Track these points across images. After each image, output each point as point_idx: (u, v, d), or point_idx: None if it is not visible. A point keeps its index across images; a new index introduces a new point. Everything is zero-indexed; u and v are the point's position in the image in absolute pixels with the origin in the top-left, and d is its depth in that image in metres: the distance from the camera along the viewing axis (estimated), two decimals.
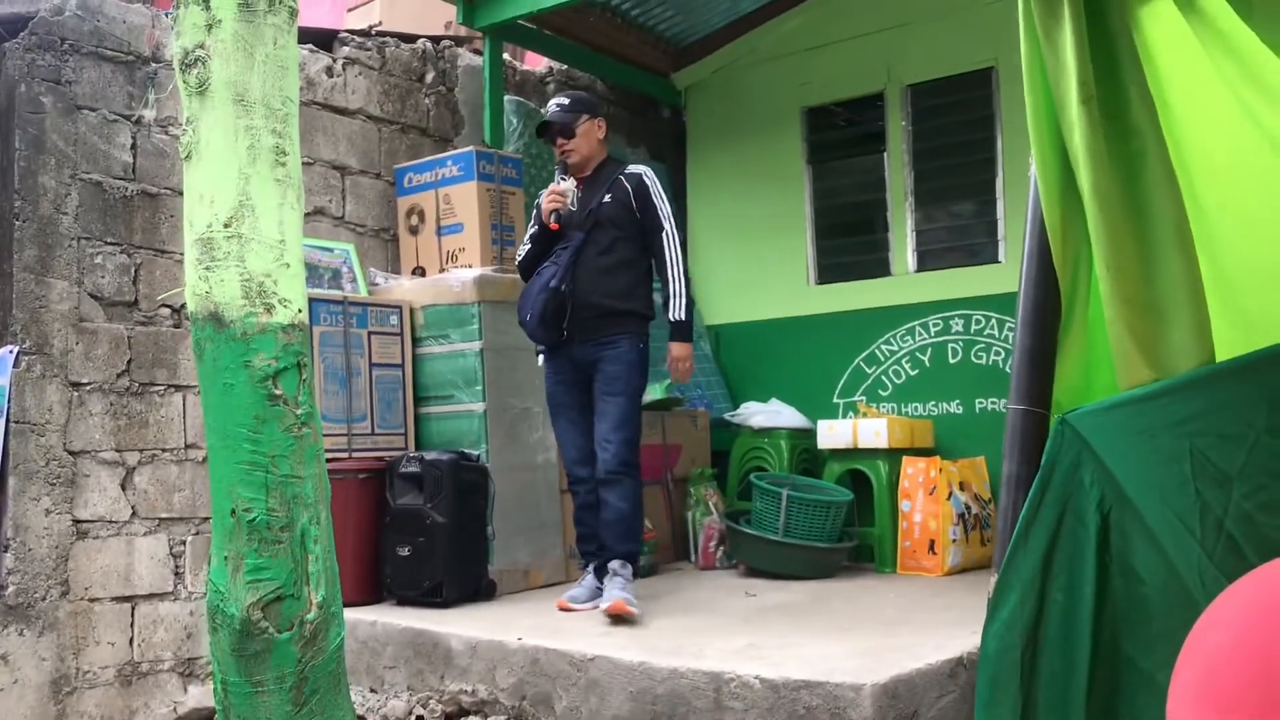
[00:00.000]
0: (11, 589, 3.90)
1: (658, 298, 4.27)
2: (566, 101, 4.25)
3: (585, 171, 4.24)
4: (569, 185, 4.17)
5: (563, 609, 4.01)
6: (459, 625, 3.81)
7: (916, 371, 5.62)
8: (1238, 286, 1.72)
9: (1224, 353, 1.63)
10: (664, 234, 4.16)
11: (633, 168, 4.26)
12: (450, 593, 4.12)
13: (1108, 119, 1.62)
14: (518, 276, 4.41)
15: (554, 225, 4.11)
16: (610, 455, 4.02)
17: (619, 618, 3.75)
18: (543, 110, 4.30)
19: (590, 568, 4.19)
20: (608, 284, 4.10)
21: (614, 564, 4.03)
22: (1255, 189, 1.69)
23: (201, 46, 2.52)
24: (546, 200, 4.13)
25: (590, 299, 4.06)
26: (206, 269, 2.49)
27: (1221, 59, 1.59)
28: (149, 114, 4.39)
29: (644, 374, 4.18)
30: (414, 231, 5.15)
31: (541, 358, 4.30)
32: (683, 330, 4.17)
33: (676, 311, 4.13)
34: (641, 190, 4.17)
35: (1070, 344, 1.75)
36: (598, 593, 4.05)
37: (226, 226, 2.49)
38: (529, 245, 4.28)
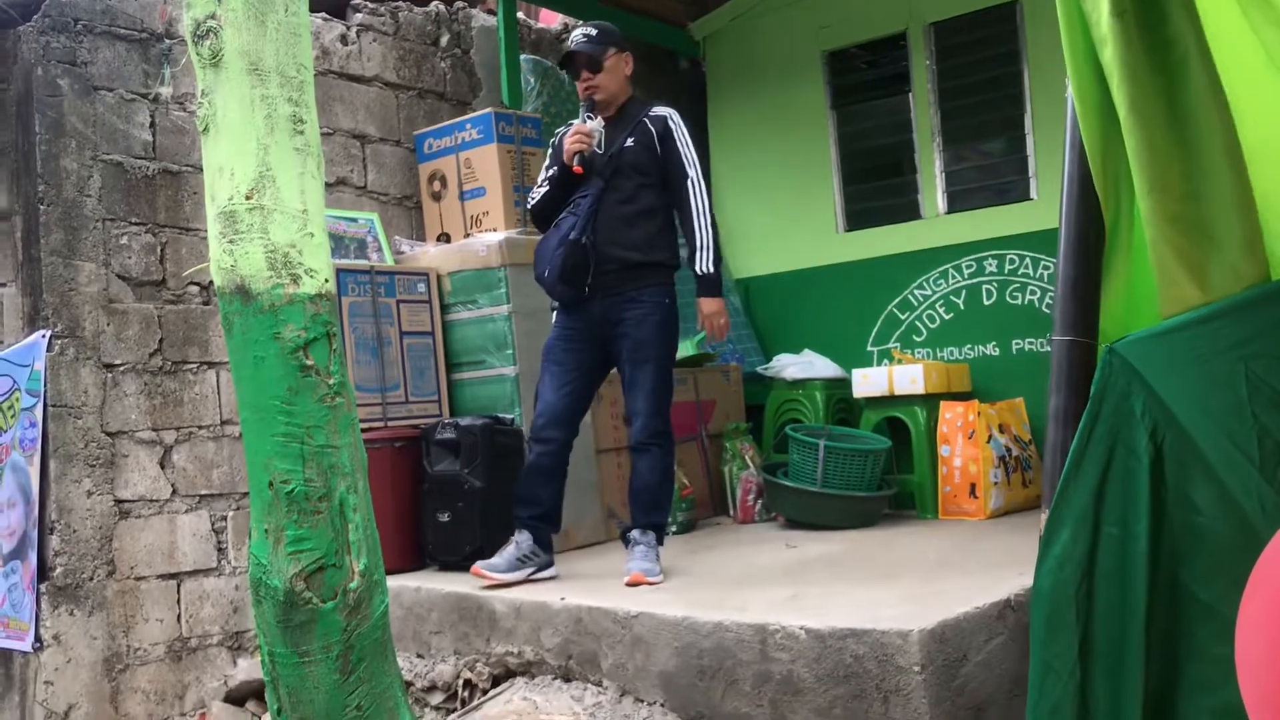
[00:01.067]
0: (59, 570, 3.95)
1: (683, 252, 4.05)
2: (594, 32, 3.92)
3: (609, 112, 3.94)
4: (596, 125, 3.86)
5: (475, 574, 3.77)
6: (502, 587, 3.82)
7: (951, 315, 5.56)
8: (1268, 214, 1.66)
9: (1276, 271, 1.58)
10: (689, 180, 3.87)
11: (658, 109, 3.97)
12: (491, 556, 4.12)
13: (1144, 30, 1.55)
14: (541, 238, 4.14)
15: (578, 168, 3.80)
16: (639, 425, 3.86)
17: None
18: (567, 43, 3.94)
19: (515, 537, 3.90)
20: (631, 235, 3.83)
21: (634, 533, 3.88)
22: (1267, 116, 1.63)
23: (213, 17, 2.49)
24: (571, 140, 3.80)
25: (612, 251, 3.81)
26: (230, 242, 2.47)
27: None
28: (166, 91, 4.38)
29: (674, 332, 3.97)
30: (437, 198, 5.12)
31: (555, 313, 4.09)
32: (711, 284, 3.88)
33: (704, 264, 3.85)
34: (666, 133, 3.89)
35: (1115, 271, 1.69)
36: (519, 564, 3.82)
37: (248, 198, 2.46)
38: (546, 188, 3.98)
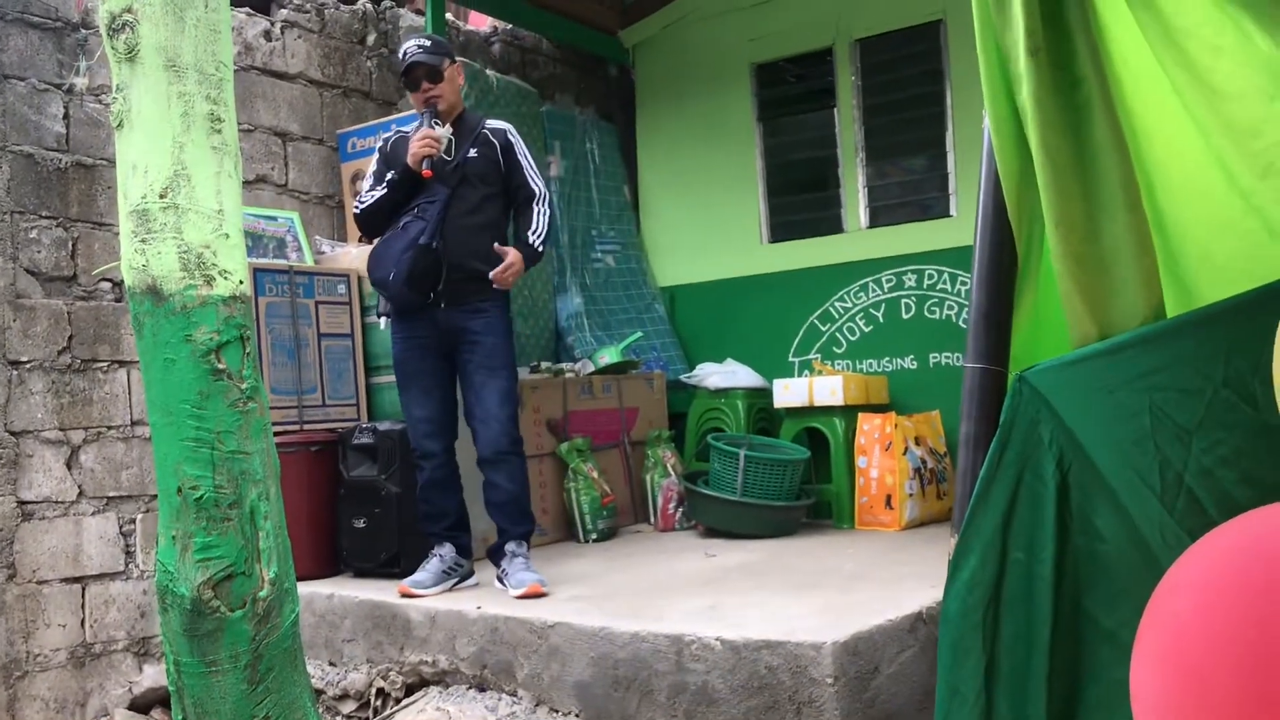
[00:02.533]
0: None
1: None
2: (428, 43, 3.89)
3: (446, 122, 3.92)
4: (445, 131, 3.83)
5: (404, 595, 3.74)
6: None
7: (871, 328, 5.63)
8: (1176, 246, 1.71)
9: (1187, 304, 1.62)
10: (536, 198, 3.93)
11: (495, 122, 3.99)
12: (407, 564, 4.07)
13: (1054, 68, 1.59)
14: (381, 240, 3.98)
15: (427, 172, 3.75)
16: (498, 433, 3.78)
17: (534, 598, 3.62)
18: (400, 53, 3.91)
19: (436, 550, 3.90)
20: (476, 244, 3.80)
21: (510, 545, 3.82)
22: (1180, 150, 1.68)
23: (129, 10, 2.43)
24: (419, 143, 3.74)
25: (460, 260, 3.77)
26: (142, 241, 2.41)
27: (1143, 17, 1.57)
28: (80, 82, 4.26)
29: (513, 340, 3.97)
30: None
31: (385, 320, 4.01)
32: (531, 255, 3.87)
33: (536, 238, 3.88)
34: (508, 148, 3.92)
35: (1024, 300, 1.73)
36: (444, 576, 3.85)
37: (162, 197, 2.41)
38: (383, 191, 3.86)
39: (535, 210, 3.93)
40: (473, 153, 3.87)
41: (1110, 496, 1.52)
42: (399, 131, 4.06)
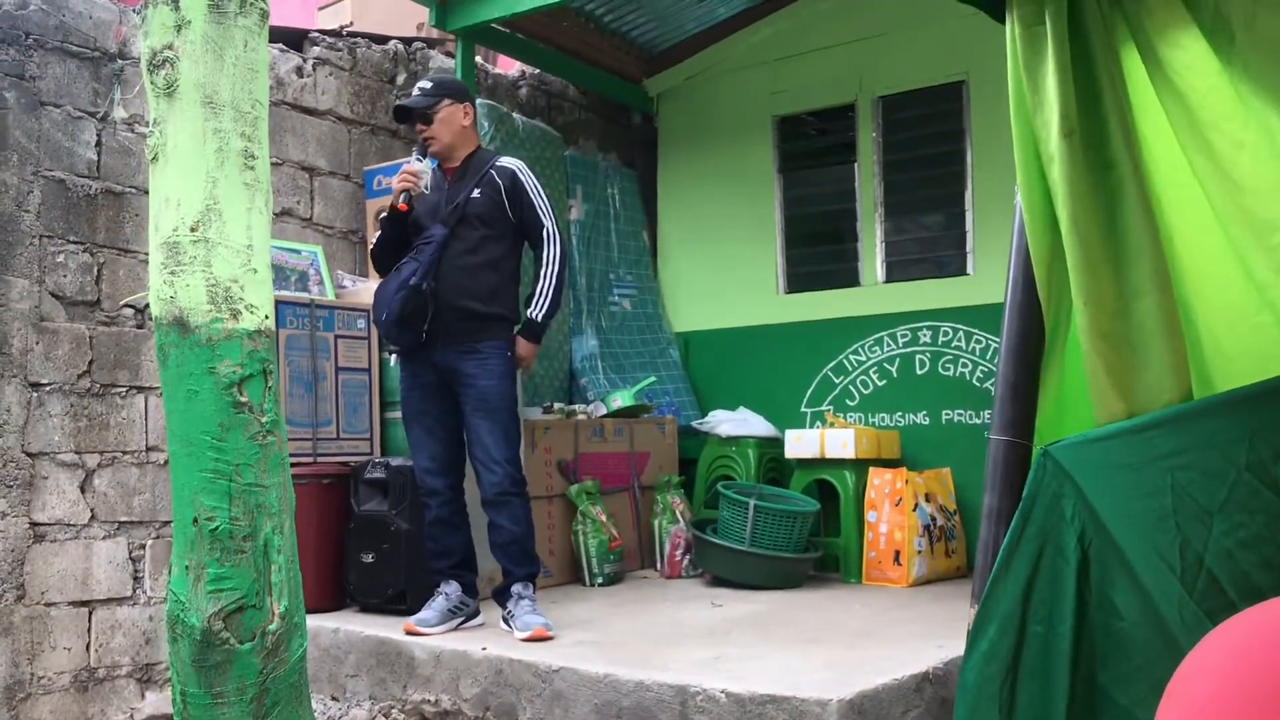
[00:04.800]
0: None
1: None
2: (429, 85, 3.95)
3: (452, 162, 3.97)
4: (424, 166, 3.87)
5: (410, 633, 3.74)
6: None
7: (884, 382, 5.64)
8: (1212, 323, 1.73)
9: (1199, 391, 1.64)
10: (545, 232, 3.93)
11: (505, 161, 4.00)
12: (414, 600, 4.06)
13: (1088, 150, 1.62)
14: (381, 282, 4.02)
15: (403, 206, 3.80)
16: (500, 476, 3.78)
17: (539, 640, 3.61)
18: (403, 96, 4.02)
19: (442, 589, 3.91)
20: (473, 285, 3.83)
21: (516, 587, 3.82)
22: (1205, 235, 1.70)
23: (170, 47, 2.47)
24: (398, 179, 3.82)
25: (455, 300, 3.80)
26: (172, 273, 2.44)
27: (1172, 109, 1.60)
28: (115, 112, 4.32)
29: (515, 381, 3.98)
30: None
31: (394, 358, 4.05)
32: (535, 331, 3.93)
33: (537, 311, 3.90)
34: (516, 187, 3.92)
35: (1051, 375, 1.75)
36: (450, 615, 3.85)
37: (193, 230, 2.44)
38: (378, 230, 3.99)
39: (545, 258, 3.93)
40: (475, 193, 3.89)
41: (1130, 574, 1.52)
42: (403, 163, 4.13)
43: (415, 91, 3.95)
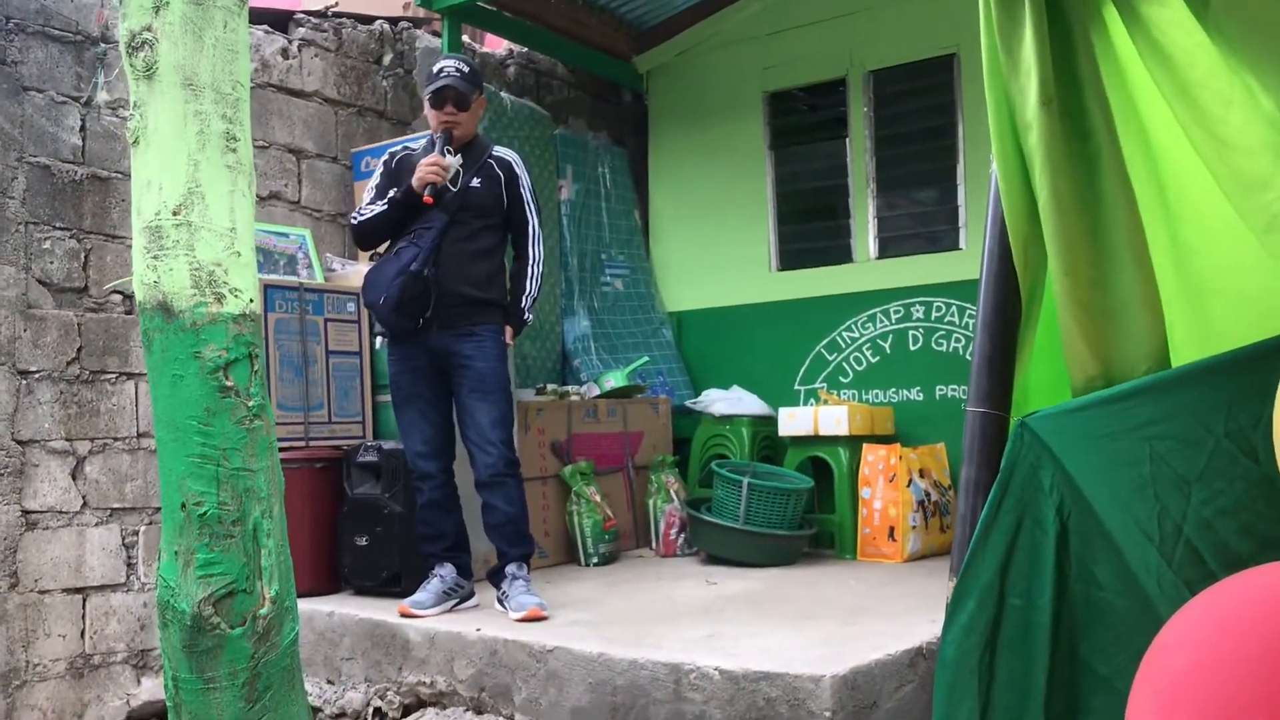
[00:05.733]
0: None
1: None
2: (466, 70, 3.90)
3: (456, 148, 3.93)
4: (455, 161, 3.84)
5: (404, 615, 3.74)
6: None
7: (877, 358, 5.63)
8: (1201, 292, 1.72)
9: (1187, 357, 1.62)
10: (530, 228, 3.98)
11: (501, 151, 4.01)
12: (408, 583, 4.07)
13: (1065, 118, 1.60)
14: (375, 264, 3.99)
15: (428, 199, 3.75)
16: (495, 457, 3.78)
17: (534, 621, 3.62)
18: (436, 68, 3.91)
19: (436, 571, 3.91)
20: (471, 271, 3.84)
21: (511, 568, 3.83)
22: (1206, 195, 1.69)
23: (149, 29, 2.45)
24: (427, 169, 3.74)
25: (454, 286, 3.79)
26: (155, 258, 2.43)
27: (1156, 69, 1.58)
28: (99, 96, 4.30)
29: (508, 365, 3.97)
30: None
31: (381, 340, 4.03)
32: (520, 325, 3.99)
33: (525, 308, 3.96)
34: (512, 179, 3.95)
35: (1028, 346, 1.74)
36: (444, 597, 3.85)
37: (175, 214, 2.42)
38: (383, 208, 3.87)
39: (529, 255, 3.97)
40: (475, 182, 3.88)
41: (1109, 544, 1.52)
42: (407, 148, 4.07)
43: (454, 71, 3.87)
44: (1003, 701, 1.56)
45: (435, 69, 3.92)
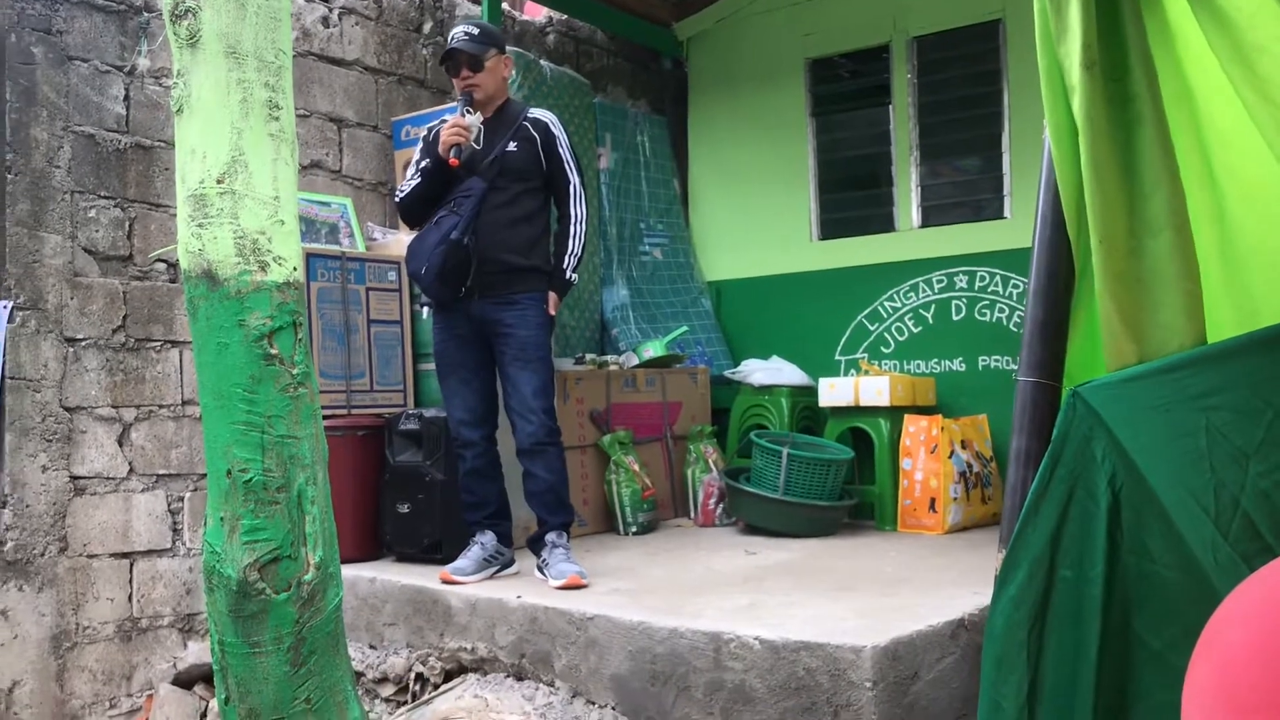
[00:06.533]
0: (10, 545, 3.89)
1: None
2: (476, 31, 3.86)
3: (487, 112, 3.90)
4: (475, 120, 3.79)
5: (446, 581, 3.75)
6: None
7: (919, 329, 5.58)
8: (1244, 264, 1.68)
9: (1227, 330, 1.59)
10: (571, 187, 3.93)
11: (537, 113, 3.96)
12: (449, 550, 4.09)
13: (1109, 82, 1.56)
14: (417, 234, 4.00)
15: (454, 161, 3.71)
16: (536, 425, 3.78)
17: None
18: (449, 37, 3.91)
19: (477, 538, 3.93)
20: (512, 238, 3.82)
21: (551, 536, 3.84)
22: (1254, 165, 1.64)
23: None
24: (448, 132, 3.72)
25: (495, 254, 3.78)
26: (199, 226, 2.44)
27: (1213, 32, 1.54)
28: (142, 64, 4.32)
29: (551, 333, 3.96)
30: None
31: (427, 310, 4.01)
32: (564, 286, 3.94)
33: (568, 269, 3.91)
34: (549, 139, 3.90)
35: (1081, 315, 1.70)
36: (485, 564, 3.86)
37: (219, 183, 2.43)
38: (418, 180, 3.88)
39: (571, 214, 3.93)
40: (511, 145, 3.85)
41: (1163, 516, 1.49)
42: (444, 121, 4.06)
43: (461, 35, 3.85)
44: (1052, 674, 1.54)
45: (448, 39, 3.91)
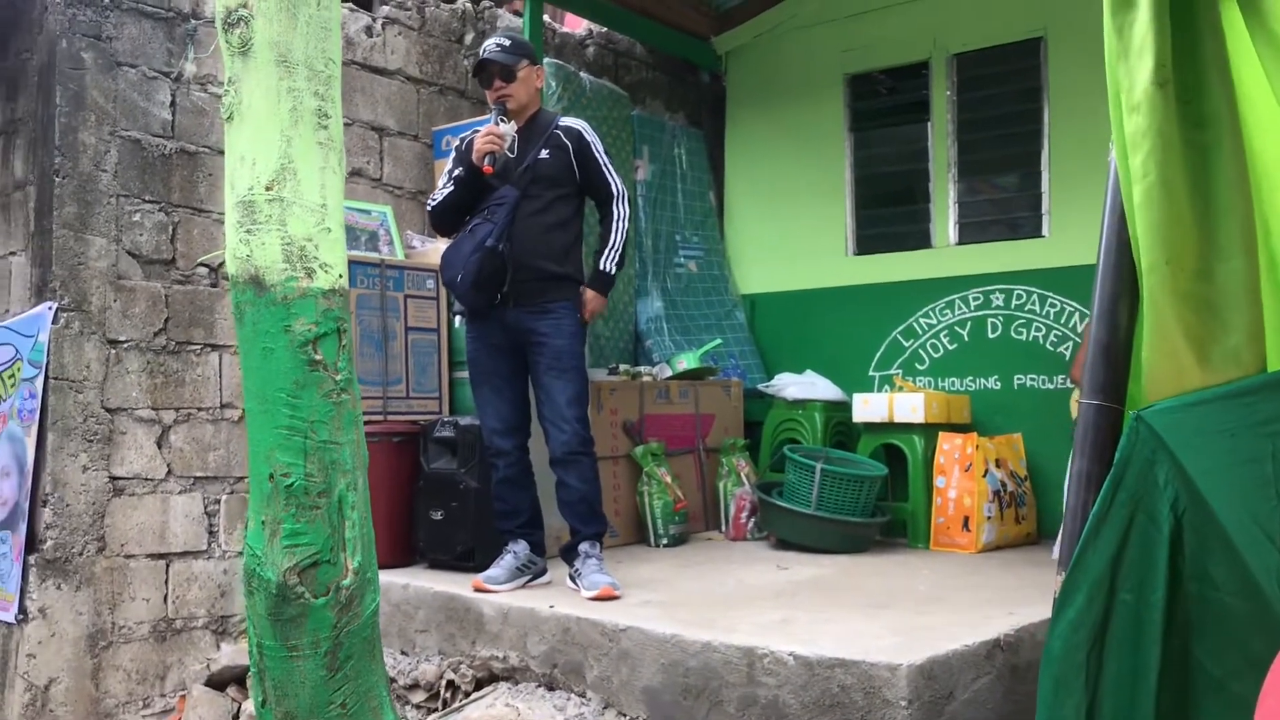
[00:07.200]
0: (50, 543, 3.93)
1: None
2: (507, 43, 3.89)
3: (519, 122, 3.92)
4: (509, 128, 3.82)
5: (478, 590, 3.76)
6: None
7: (955, 346, 5.56)
8: None
9: (1275, 356, 1.57)
10: (613, 190, 3.93)
11: (569, 121, 3.97)
12: (482, 557, 4.10)
13: (1182, 103, 1.55)
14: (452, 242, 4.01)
15: (488, 169, 3.73)
16: (570, 435, 3.79)
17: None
18: (479, 50, 3.95)
19: (510, 547, 3.93)
20: (546, 245, 3.82)
21: (584, 546, 3.84)
22: None
23: (244, 6, 2.49)
24: (483, 140, 3.74)
25: (529, 261, 3.78)
26: (248, 232, 2.46)
27: (1270, 60, 1.53)
28: (189, 70, 4.37)
29: (584, 341, 3.97)
30: None
31: (460, 318, 4.05)
32: (604, 282, 3.92)
33: (608, 264, 3.90)
34: (582, 147, 3.90)
35: (1143, 338, 1.69)
36: (518, 573, 3.87)
37: (268, 189, 2.46)
38: (451, 188, 3.91)
39: (614, 214, 3.94)
40: (544, 153, 3.86)
41: (1226, 543, 1.47)
42: (477, 130, 4.08)
43: (493, 47, 3.88)
44: (1111, 698, 1.53)
45: (481, 50, 3.93)
